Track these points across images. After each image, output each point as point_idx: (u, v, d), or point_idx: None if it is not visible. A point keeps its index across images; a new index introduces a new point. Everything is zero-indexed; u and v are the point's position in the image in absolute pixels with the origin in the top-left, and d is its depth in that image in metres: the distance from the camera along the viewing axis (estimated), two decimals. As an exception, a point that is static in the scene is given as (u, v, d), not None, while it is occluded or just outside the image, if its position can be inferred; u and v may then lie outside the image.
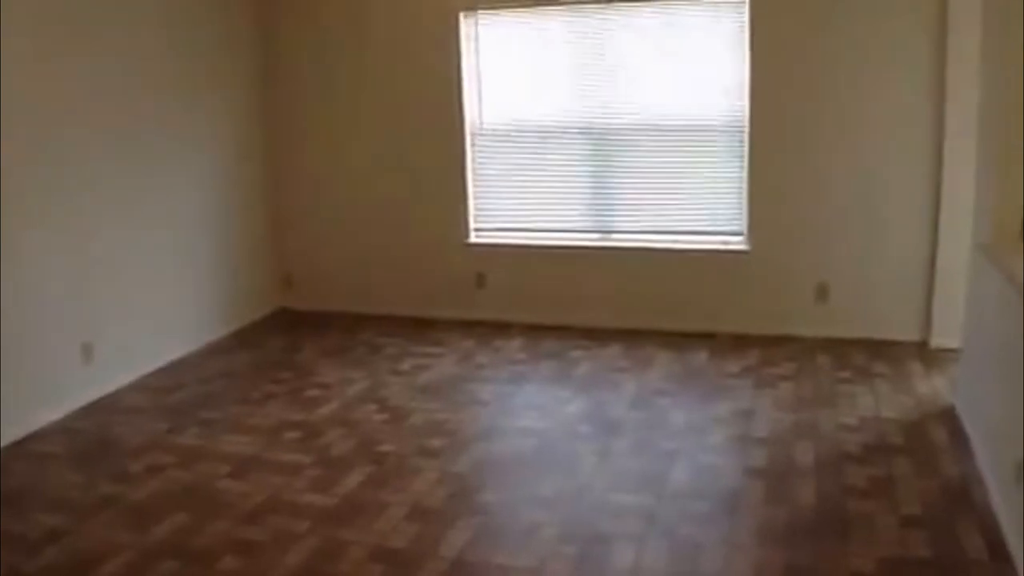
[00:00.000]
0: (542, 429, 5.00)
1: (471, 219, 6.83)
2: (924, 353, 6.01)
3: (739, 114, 6.18)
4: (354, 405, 5.40)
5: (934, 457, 4.58)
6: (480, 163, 6.74)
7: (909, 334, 6.19)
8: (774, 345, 6.20)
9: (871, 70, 5.90)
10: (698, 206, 6.43)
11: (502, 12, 6.50)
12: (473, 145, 6.71)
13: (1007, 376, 4.12)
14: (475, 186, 6.78)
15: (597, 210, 6.62)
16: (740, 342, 6.28)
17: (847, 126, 6.01)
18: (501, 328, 6.69)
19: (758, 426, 4.97)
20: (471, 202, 6.80)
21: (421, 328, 6.80)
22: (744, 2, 6.02)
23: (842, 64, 5.94)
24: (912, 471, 4.43)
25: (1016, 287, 3.90)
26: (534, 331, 6.59)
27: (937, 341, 6.06)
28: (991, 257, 4.38)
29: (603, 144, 6.48)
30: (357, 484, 4.39)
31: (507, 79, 6.61)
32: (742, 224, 6.35)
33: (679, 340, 6.35)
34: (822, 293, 6.29)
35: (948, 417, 5.03)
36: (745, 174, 6.24)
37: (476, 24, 6.55)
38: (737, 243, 6.39)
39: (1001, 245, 4.37)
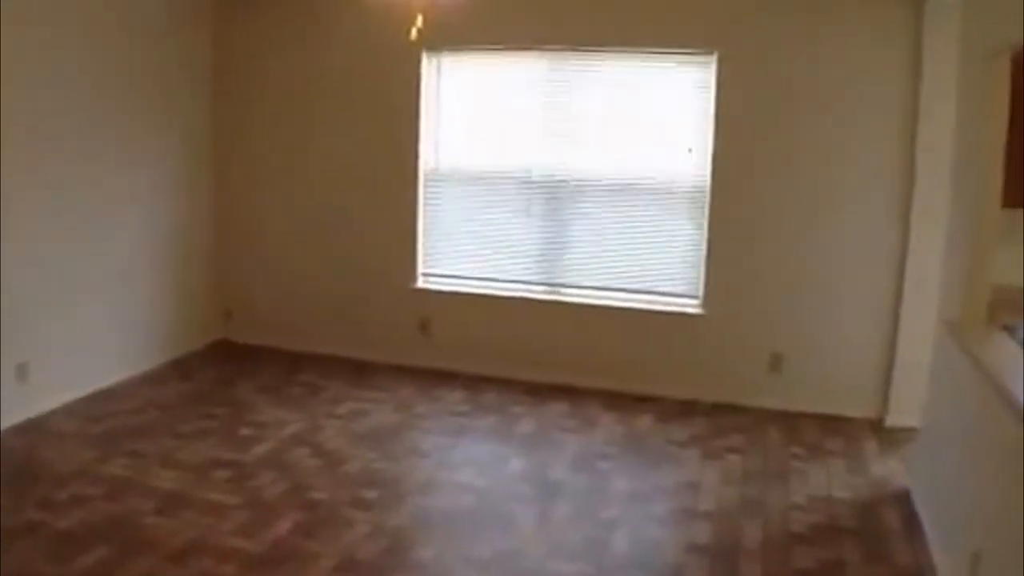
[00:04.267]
0: (481, 486, 4.71)
1: (419, 263, 6.56)
2: (879, 431, 5.81)
3: (701, 175, 6.01)
4: (288, 447, 5.09)
5: (886, 543, 4.36)
6: (432, 207, 6.49)
7: (864, 411, 6.00)
8: (723, 414, 5.97)
9: (839, 139, 5.78)
10: (653, 266, 6.23)
11: (466, 54, 6.30)
12: (426, 188, 6.46)
13: (965, 461, 3.94)
14: (425, 230, 6.52)
15: (549, 263, 6.39)
16: (687, 408, 6.04)
17: (811, 195, 5.87)
18: (443, 377, 6.40)
19: (704, 500, 4.72)
20: (420, 246, 6.53)
21: (362, 371, 6.49)
22: (711, 60, 5.88)
23: (810, 132, 5.81)
24: (863, 557, 4.21)
25: (981, 370, 3.73)
26: (476, 382, 6.31)
27: (893, 420, 5.88)
28: (956, 336, 4.23)
29: (559, 196, 6.27)
30: (286, 531, 4.13)
31: (466, 123, 6.40)
32: (698, 287, 6.16)
33: (624, 402, 6.10)
34: (776, 363, 6.09)
35: (902, 501, 4.82)
36: (704, 237, 6.05)
37: (439, 65, 6.34)
38: (691, 306, 6.19)
39: (967, 324, 4.23)
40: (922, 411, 4.93)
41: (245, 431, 5.30)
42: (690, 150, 6.02)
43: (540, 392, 6.18)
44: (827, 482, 5.02)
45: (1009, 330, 4.17)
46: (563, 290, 6.39)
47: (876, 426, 5.90)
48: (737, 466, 5.18)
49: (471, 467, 4.96)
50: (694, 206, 6.07)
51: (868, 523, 4.56)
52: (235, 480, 4.64)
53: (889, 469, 5.25)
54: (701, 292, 6.14)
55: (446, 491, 4.65)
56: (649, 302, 6.25)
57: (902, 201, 5.73)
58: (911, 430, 5.67)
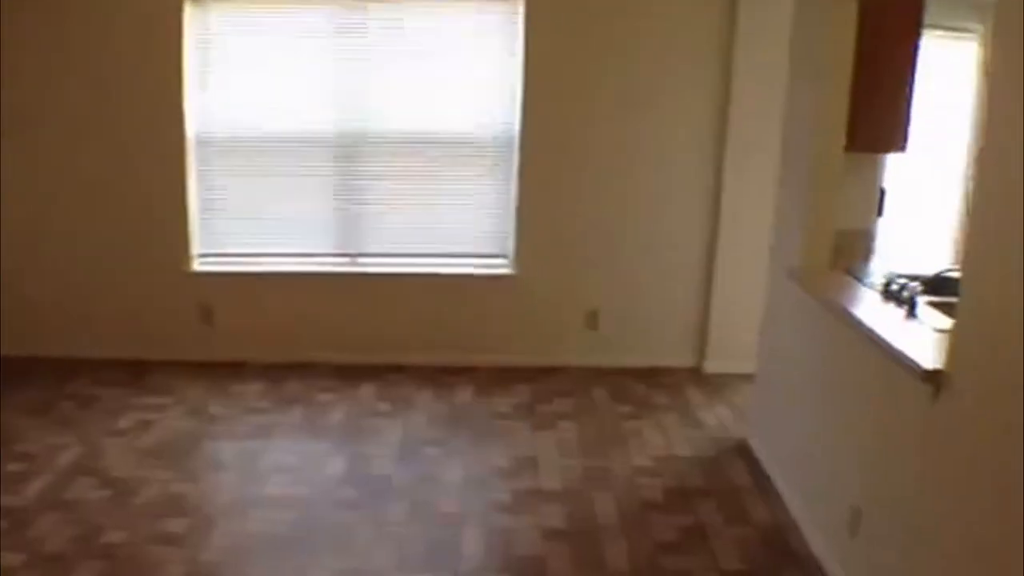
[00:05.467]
0: (301, 497, 4.13)
1: (194, 244, 5.77)
2: (700, 380, 5.69)
3: (509, 127, 5.59)
4: (68, 480, 4.23)
5: (739, 500, 4.20)
6: (207, 178, 5.71)
7: (682, 360, 5.88)
8: (543, 377, 5.65)
9: (651, 87, 5.53)
10: (460, 226, 5.78)
11: (239, 2, 5.51)
12: (199, 157, 5.67)
13: (824, 411, 3.78)
14: (200, 205, 5.74)
15: (345, 231, 5.79)
16: (506, 375, 5.68)
17: (623, 144, 5.59)
18: (235, 369, 5.68)
19: (547, 476, 4.38)
20: (194, 224, 5.74)
21: (140, 373, 5.60)
22: (519, 3, 5.43)
23: (623, 79, 5.52)
24: (722, 518, 4.02)
25: (837, 314, 3.57)
26: (274, 371, 5.65)
27: (711, 366, 5.79)
28: (802, 282, 4.06)
29: (354, 157, 5.66)
30: (84, 588, 3.38)
31: (242, 82, 5.60)
32: (508, 246, 5.77)
33: (439, 375, 5.65)
34: (592, 320, 5.83)
35: (743, 452, 4.69)
36: (513, 192, 5.66)
37: (205, 16, 5.50)
38: (502, 266, 5.80)
39: (812, 269, 4.09)
40: (758, 360, 4.77)
41: (13, 466, 4.36)
42: (497, 100, 5.57)
43: (347, 374, 5.62)
44: (665, 441, 4.81)
45: (852, 273, 4.05)
46: (363, 260, 5.82)
47: (695, 374, 5.79)
48: (571, 434, 4.87)
49: (285, 475, 4.35)
50: (501, 160, 5.65)
51: (717, 480, 4.39)
52: (10, 532, 3.76)
53: (720, 419, 5.13)
54: (512, 251, 5.76)
55: (263, 508, 4.02)
56: (457, 266, 5.80)
57: (715, 147, 5.59)
58: (730, 376, 5.64)
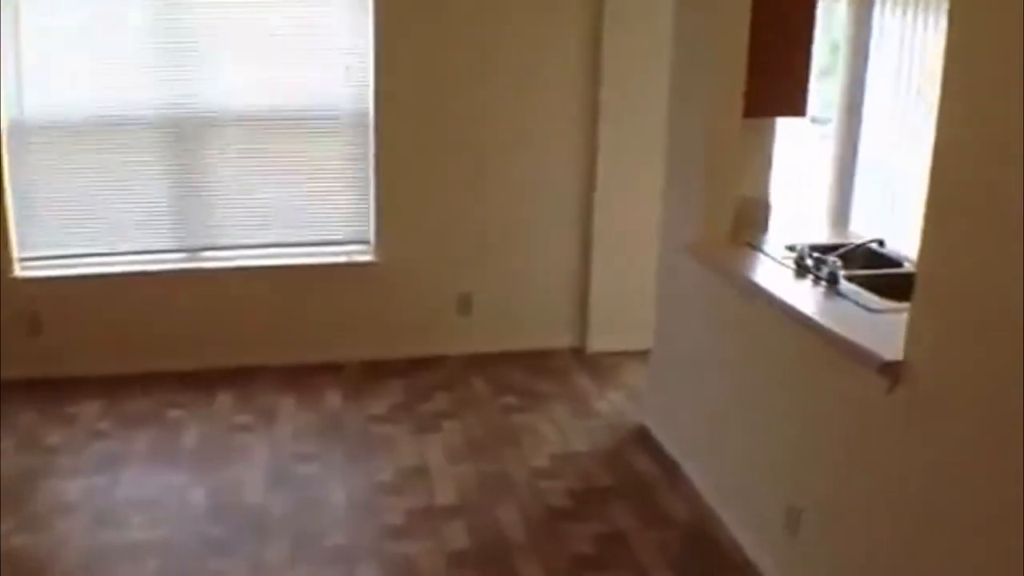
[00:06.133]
0: (162, 540, 3.55)
1: (14, 247, 4.98)
2: (584, 361, 5.37)
3: (363, 99, 5.05)
4: None
5: (653, 497, 3.93)
6: (22, 170, 4.91)
7: (563, 340, 5.54)
8: (417, 370, 5.19)
9: (518, 51, 5.09)
10: (315, 211, 5.21)
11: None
12: (10, 146, 4.86)
13: (740, 393, 3.52)
14: (18, 202, 4.94)
15: (186, 224, 5.11)
16: (375, 371, 5.18)
17: (492, 116, 5.15)
18: (70, 387, 4.88)
19: (440, 489, 3.96)
20: (12, 224, 4.95)
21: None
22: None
23: (490, 43, 5.06)
24: (638, 521, 3.74)
25: (759, 292, 3.31)
26: (116, 386, 4.91)
27: (594, 345, 5.47)
28: (704, 258, 3.78)
29: (188, 139, 4.98)
30: None
31: (59, 57, 4.79)
32: (368, 231, 5.26)
33: (302, 376, 5.10)
34: (465, 304, 5.40)
35: (644, 440, 4.42)
36: (371, 172, 5.14)
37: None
38: (363, 253, 5.28)
39: (713, 244, 3.80)
40: (654, 341, 4.47)
41: None
42: (347, 68, 5.01)
43: (199, 383, 4.98)
44: (560, 435, 4.47)
45: (755, 246, 3.79)
46: (208, 255, 5.18)
47: (578, 355, 5.47)
48: (457, 435, 4.46)
49: (141, 514, 3.73)
50: (357, 136, 5.11)
51: (624, 477, 4.09)
52: None
53: (613, 404, 4.83)
54: (373, 237, 5.25)
55: (120, 560, 3.42)
56: (313, 255, 5.25)
57: (588, 115, 5.23)
58: (614, 354, 5.37)
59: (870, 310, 3.03)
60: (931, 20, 4.54)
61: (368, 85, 5.01)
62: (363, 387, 5.00)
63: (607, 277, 5.39)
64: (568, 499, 3.88)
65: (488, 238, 5.33)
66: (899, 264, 3.66)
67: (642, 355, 4.85)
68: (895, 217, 5.72)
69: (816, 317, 2.99)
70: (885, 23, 5.41)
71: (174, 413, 4.67)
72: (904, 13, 5.31)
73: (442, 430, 4.51)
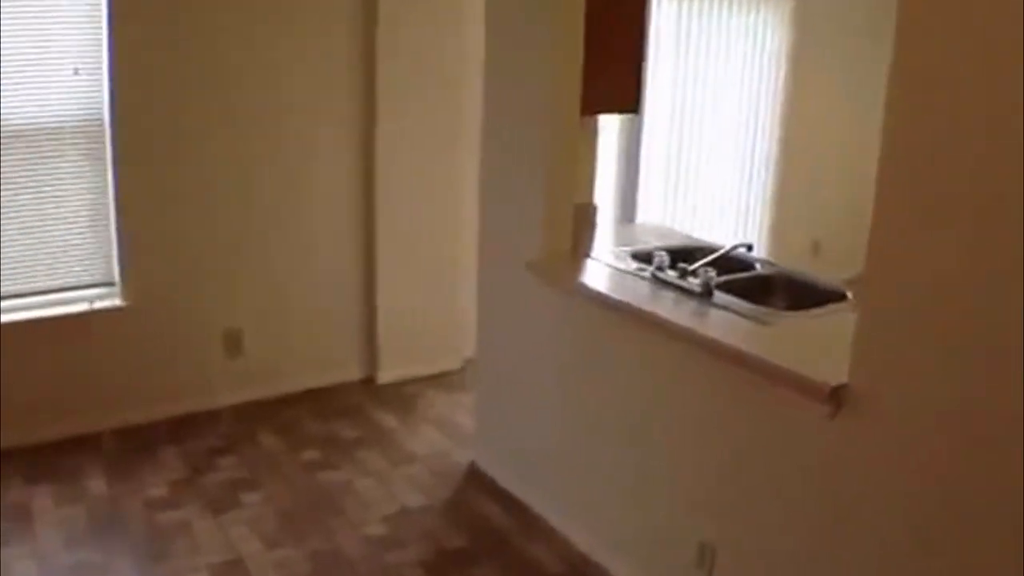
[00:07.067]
0: None
1: None
2: (378, 394, 4.84)
3: (97, 108, 4.13)
4: None
5: (518, 552, 3.46)
6: None
7: (350, 373, 4.96)
8: (187, 432, 4.38)
9: (286, 52, 4.43)
10: (41, 251, 4.22)
11: None
12: None
13: (614, 428, 3.15)
14: None
15: None
16: (139, 439, 4.30)
17: (254, 129, 4.43)
18: None
19: (271, 585, 3.28)
20: None
21: None
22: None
23: (247, 42, 4.34)
24: (511, 584, 3.23)
25: (632, 312, 2.94)
26: None
27: (386, 376, 4.94)
28: (548, 276, 3.38)
29: None
30: None
31: None
32: (112, 271, 4.36)
33: (50, 457, 4.11)
34: (235, 345, 4.66)
35: (481, 482, 3.96)
36: (110, 197, 4.24)
37: None
38: (108, 297, 4.38)
39: (555, 259, 3.39)
40: (480, 372, 4.01)
41: None
42: (76, 71, 4.06)
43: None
44: (384, 490, 3.91)
45: (594, 257, 3.46)
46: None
47: (370, 387, 4.92)
48: (264, 509, 3.76)
49: None
50: (92, 155, 4.20)
51: (476, 532, 3.62)
52: None
53: (431, 444, 4.34)
54: (118, 277, 4.37)
55: None
56: (46, 305, 4.27)
57: (364, 124, 4.68)
58: (409, 383, 4.96)
59: (761, 322, 2.77)
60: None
61: (101, 90, 4.10)
62: (129, 462, 4.12)
63: (394, 296, 4.89)
64: (422, 572, 3.33)
65: (257, 267, 4.61)
66: (751, 267, 3.46)
67: (438, 379, 4.48)
68: (679, 206, 5.67)
69: (721, 338, 2.67)
70: (662, 14, 5.31)
71: None
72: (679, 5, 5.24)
73: (242, 505, 3.79)
